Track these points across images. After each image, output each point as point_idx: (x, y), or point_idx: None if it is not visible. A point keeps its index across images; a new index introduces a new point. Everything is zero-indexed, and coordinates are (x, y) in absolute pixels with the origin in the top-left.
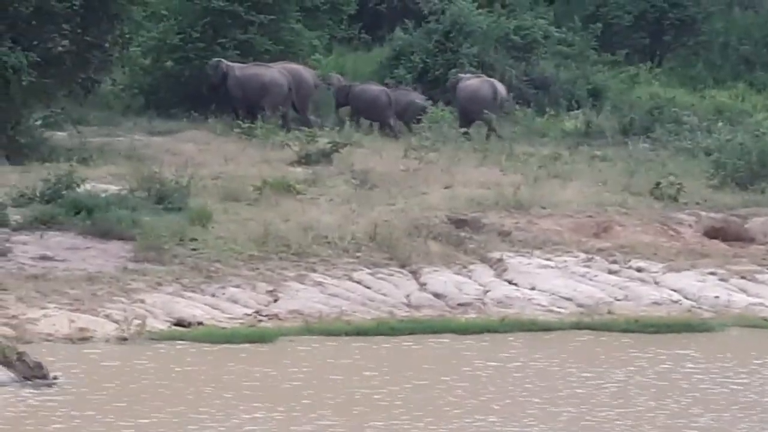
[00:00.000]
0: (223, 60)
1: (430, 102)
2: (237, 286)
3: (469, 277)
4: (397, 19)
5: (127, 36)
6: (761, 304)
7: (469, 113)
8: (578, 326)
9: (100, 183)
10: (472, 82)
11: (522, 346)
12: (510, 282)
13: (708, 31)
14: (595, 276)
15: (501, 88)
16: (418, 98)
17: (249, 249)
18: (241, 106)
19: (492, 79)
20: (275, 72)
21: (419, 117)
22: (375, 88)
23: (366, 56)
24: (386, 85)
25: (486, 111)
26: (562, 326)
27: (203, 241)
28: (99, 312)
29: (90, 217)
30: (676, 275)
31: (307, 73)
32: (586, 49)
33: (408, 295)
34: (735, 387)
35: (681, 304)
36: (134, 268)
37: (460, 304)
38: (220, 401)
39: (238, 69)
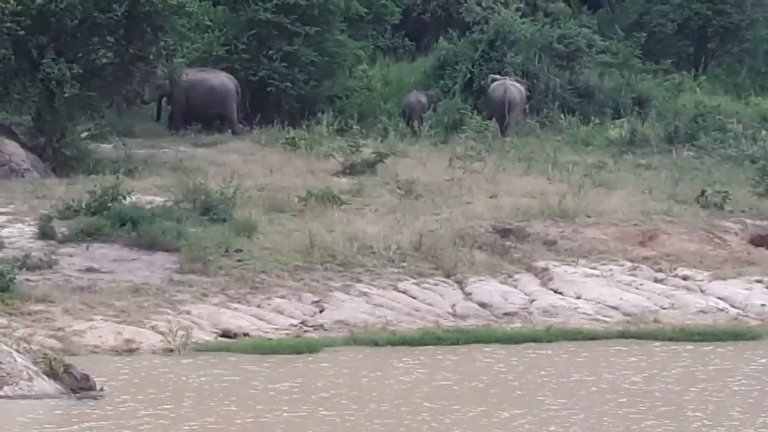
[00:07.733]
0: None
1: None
2: (282, 297)
3: (515, 287)
4: (441, 28)
5: (172, 48)
6: None
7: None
8: (624, 335)
9: (145, 195)
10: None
11: (568, 355)
12: (555, 291)
13: (752, 38)
14: (641, 285)
15: (514, 91)
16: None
17: (294, 260)
18: (183, 112)
19: (511, 82)
20: (223, 77)
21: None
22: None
23: (410, 65)
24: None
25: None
26: (607, 335)
27: (248, 252)
28: (145, 324)
29: (135, 229)
30: (722, 283)
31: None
32: (630, 57)
33: (453, 305)
34: None
35: (727, 312)
36: (180, 279)
37: (505, 314)
38: (266, 411)
39: (184, 75)
